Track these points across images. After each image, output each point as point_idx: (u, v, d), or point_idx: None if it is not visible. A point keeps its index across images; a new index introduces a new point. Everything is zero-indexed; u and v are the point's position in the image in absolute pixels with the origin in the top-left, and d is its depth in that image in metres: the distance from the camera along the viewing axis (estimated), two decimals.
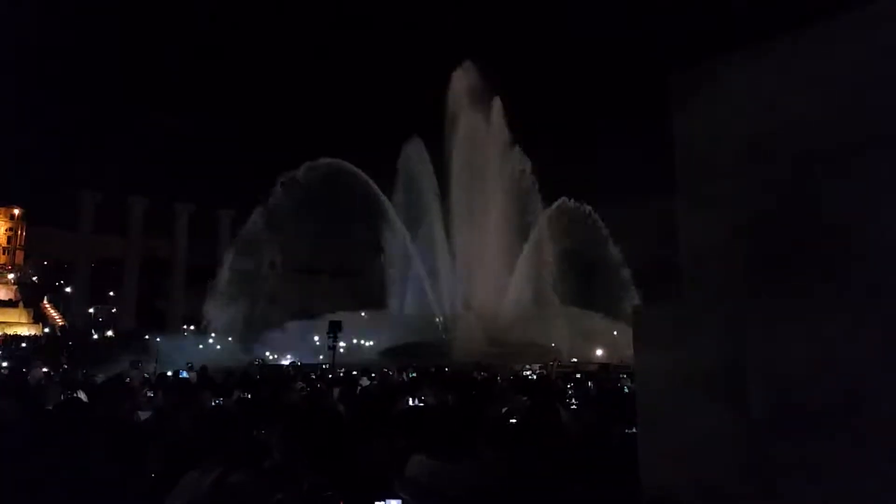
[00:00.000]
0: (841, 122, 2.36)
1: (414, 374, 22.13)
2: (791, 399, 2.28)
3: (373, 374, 20.86)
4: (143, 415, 8.65)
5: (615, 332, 45.67)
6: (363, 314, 59.92)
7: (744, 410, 2.38)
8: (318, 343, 42.85)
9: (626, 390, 12.10)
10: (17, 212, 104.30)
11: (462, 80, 60.36)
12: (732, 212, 2.67)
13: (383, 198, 58.08)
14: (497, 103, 60.05)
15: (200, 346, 55.75)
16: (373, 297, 65.00)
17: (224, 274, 61.64)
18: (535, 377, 20.57)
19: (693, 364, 2.58)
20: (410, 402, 8.96)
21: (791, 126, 2.45)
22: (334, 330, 18.95)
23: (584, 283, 55.73)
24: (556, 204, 57.14)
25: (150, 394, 12.06)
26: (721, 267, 2.68)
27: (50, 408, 8.73)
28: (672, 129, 2.94)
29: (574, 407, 8.75)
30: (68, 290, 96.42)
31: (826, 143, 2.35)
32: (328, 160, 55.74)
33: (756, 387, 2.36)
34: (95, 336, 78.07)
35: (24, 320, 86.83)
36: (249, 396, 10.33)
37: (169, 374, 19.97)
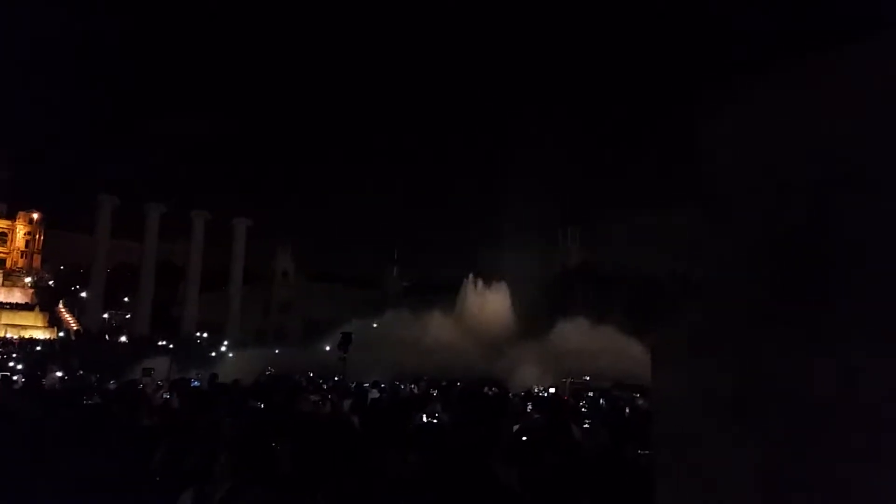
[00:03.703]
0: (869, 146, 2.36)
1: (425, 384, 22.10)
2: (810, 423, 2.27)
3: (382, 385, 20.83)
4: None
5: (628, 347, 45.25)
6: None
7: (762, 434, 2.37)
8: None
9: (628, 410, 12.01)
10: (35, 216, 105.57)
11: None
12: (752, 232, 2.67)
13: None
14: None
15: (213, 354, 56.01)
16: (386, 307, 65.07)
17: (237, 283, 61.91)
18: (546, 395, 20.44)
19: (709, 386, 2.57)
20: (424, 419, 8.96)
21: (817, 148, 2.45)
22: (345, 342, 19.09)
23: (598, 296, 55.39)
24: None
25: (167, 395, 12.16)
26: (738, 287, 2.68)
27: (65, 411, 8.81)
28: (696, 146, 2.94)
29: (587, 425, 8.71)
30: (84, 294, 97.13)
31: (850, 167, 2.35)
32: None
33: (774, 411, 2.35)
34: (109, 340, 78.45)
35: (39, 324, 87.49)
36: (262, 406, 10.35)
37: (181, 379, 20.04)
